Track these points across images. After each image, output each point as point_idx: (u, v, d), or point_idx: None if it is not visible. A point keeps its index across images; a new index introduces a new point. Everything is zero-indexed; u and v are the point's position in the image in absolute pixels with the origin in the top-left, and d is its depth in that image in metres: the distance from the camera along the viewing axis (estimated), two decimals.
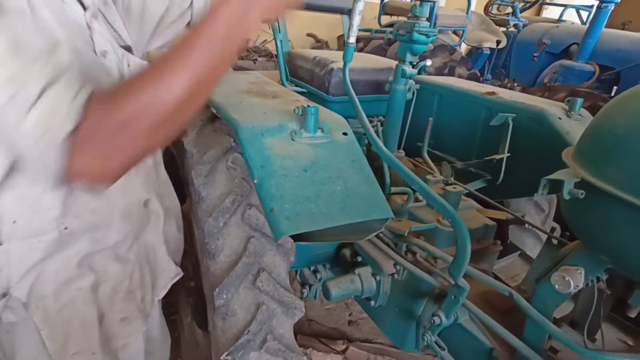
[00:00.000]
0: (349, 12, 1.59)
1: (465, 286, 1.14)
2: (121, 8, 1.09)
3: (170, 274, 1.30)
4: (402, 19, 3.64)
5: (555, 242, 1.37)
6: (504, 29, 5.26)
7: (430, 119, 1.82)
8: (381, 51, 3.33)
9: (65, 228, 0.95)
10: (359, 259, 1.60)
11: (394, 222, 1.46)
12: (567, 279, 0.88)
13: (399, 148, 1.93)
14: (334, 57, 2.02)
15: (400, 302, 1.47)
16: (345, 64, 1.27)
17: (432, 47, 1.63)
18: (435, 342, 1.29)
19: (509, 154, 1.73)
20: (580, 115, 1.64)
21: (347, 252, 1.70)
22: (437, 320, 1.24)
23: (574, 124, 1.58)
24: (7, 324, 0.98)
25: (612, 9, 3.61)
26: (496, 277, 1.54)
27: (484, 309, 1.20)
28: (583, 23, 5.33)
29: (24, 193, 0.88)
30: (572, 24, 5.05)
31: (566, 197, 0.74)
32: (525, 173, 1.72)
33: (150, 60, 1.22)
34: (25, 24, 0.70)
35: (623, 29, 5.47)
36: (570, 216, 0.84)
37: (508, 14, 5.51)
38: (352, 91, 1.21)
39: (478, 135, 1.93)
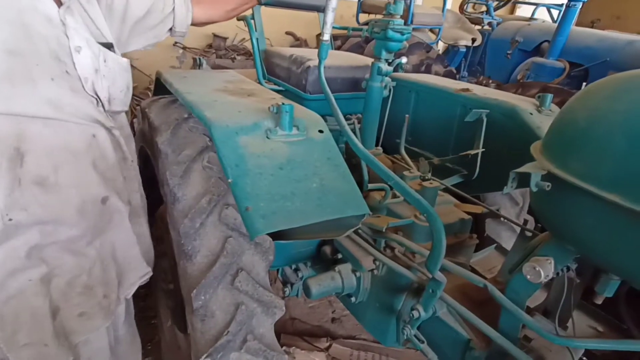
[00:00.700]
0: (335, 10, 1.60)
1: (442, 279, 1.16)
2: (104, 6, 1.12)
3: (139, 272, 1.30)
4: (380, 17, 3.66)
5: (528, 234, 1.40)
6: (479, 27, 5.38)
7: (407, 115, 1.84)
8: (359, 49, 3.34)
9: (10, 220, 0.96)
10: (339, 256, 1.61)
11: (372, 218, 1.47)
12: (537, 269, 0.91)
13: (377, 145, 1.94)
14: (311, 54, 2.02)
15: (380, 297, 1.49)
16: (320, 62, 1.27)
17: (407, 45, 1.64)
18: (415, 335, 1.30)
19: (483, 149, 1.76)
20: (550, 110, 1.69)
21: (327, 249, 1.70)
22: (415, 314, 1.25)
23: (544, 119, 1.63)
24: None
25: (580, 7, 3.73)
26: (473, 270, 1.57)
27: (462, 301, 1.22)
28: (554, 21, 5.49)
29: None
30: (543, 22, 5.20)
31: (533, 189, 0.76)
32: (500, 167, 1.75)
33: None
34: None
35: (592, 27, 5.66)
36: (539, 208, 0.87)
37: (482, 12, 5.63)
38: (328, 88, 1.21)
39: (454, 131, 1.96)
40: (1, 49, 0.94)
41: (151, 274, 1.35)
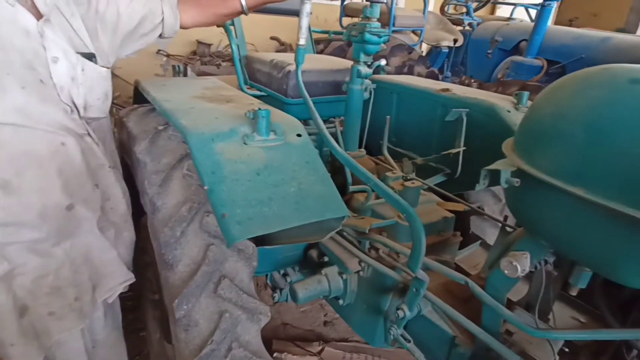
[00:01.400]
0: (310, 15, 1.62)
1: (425, 278, 1.16)
2: (96, 18, 1.19)
3: (119, 278, 1.30)
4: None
5: (509, 229, 1.42)
6: (460, 28, 5.46)
7: (388, 117, 1.86)
8: (341, 52, 3.37)
9: None
10: (326, 259, 1.61)
11: (356, 220, 1.48)
12: (514, 263, 0.92)
13: (360, 147, 1.95)
14: (292, 59, 2.02)
15: (367, 298, 1.49)
16: (297, 66, 1.27)
17: (385, 47, 1.67)
18: (402, 335, 1.31)
19: (464, 148, 1.79)
20: (527, 107, 1.72)
21: (314, 253, 1.70)
22: (401, 313, 1.26)
23: (521, 116, 1.65)
24: None
25: (556, 7, 3.82)
26: (458, 268, 1.59)
27: (446, 299, 1.23)
28: (532, 20, 5.60)
29: None
30: (521, 21, 5.30)
31: (503, 185, 0.78)
32: (481, 165, 1.77)
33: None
34: None
35: (570, 25, 5.78)
36: (512, 204, 0.88)
37: (463, 13, 5.71)
38: (305, 92, 1.22)
39: (435, 131, 1.99)
40: None
41: (133, 279, 1.35)
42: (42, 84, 1.08)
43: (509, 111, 1.69)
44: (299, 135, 1.16)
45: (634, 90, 0.62)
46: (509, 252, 0.97)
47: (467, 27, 5.39)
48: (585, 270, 0.87)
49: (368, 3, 1.65)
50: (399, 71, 3.41)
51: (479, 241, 1.85)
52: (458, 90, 1.94)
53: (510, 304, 1.19)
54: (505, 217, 1.58)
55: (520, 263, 0.92)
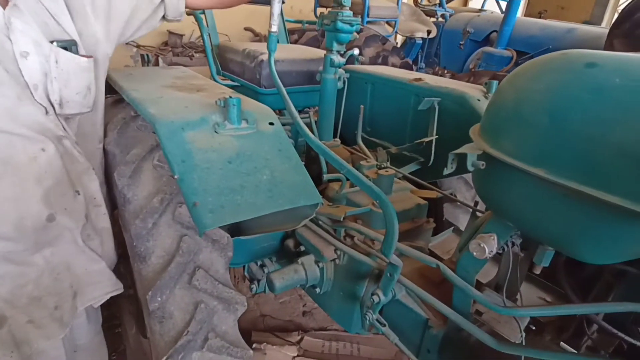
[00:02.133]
0: (283, 3, 1.59)
1: (398, 263, 1.19)
2: (88, 4, 1.08)
3: (106, 288, 1.27)
4: None
5: (480, 214, 1.47)
6: (434, 19, 5.52)
7: (362, 106, 1.87)
8: (316, 42, 3.35)
9: None
10: (302, 248, 1.62)
11: (331, 208, 1.49)
12: (482, 245, 0.95)
13: (335, 137, 1.96)
14: (265, 48, 1.99)
15: (343, 286, 1.51)
16: (270, 54, 1.26)
17: (358, 36, 1.67)
18: (377, 319, 1.34)
19: (437, 136, 1.82)
20: None
21: (290, 242, 1.71)
22: (376, 298, 1.29)
23: None
24: None
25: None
26: (431, 253, 1.63)
27: (420, 283, 1.27)
28: (502, 12, 5.73)
29: None
30: (492, 13, 5.42)
31: (470, 168, 0.80)
32: None
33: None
34: None
35: (539, 17, 5.95)
36: (478, 187, 0.91)
37: (435, 4, 5.78)
38: (279, 81, 1.21)
39: (409, 120, 2.02)
40: None
41: (121, 290, 1.32)
42: (13, 83, 0.98)
43: (479, 100, 1.73)
44: (271, 123, 1.15)
45: (589, 73, 0.65)
46: (477, 235, 1.00)
47: (440, 19, 5.47)
48: (548, 249, 0.91)
49: None
50: (373, 62, 3.43)
51: (452, 227, 1.90)
52: (430, 79, 1.97)
53: (479, 286, 1.23)
54: (476, 203, 1.63)
55: (488, 244, 0.95)
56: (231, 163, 0.99)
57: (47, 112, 1.06)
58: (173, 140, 0.98)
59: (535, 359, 0.99)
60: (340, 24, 1.57)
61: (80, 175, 1.18)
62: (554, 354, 0.95)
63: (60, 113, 1.09)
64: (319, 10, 5.22)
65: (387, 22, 5.00)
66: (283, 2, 1.38)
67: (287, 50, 2.09)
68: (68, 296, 1.17)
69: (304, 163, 1.83)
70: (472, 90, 1.79)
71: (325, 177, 1.61)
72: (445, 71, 4.20)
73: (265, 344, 2.25)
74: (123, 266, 1.65)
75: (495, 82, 1.80)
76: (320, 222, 1.52)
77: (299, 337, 2.37)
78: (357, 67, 2.25)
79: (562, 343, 1.10)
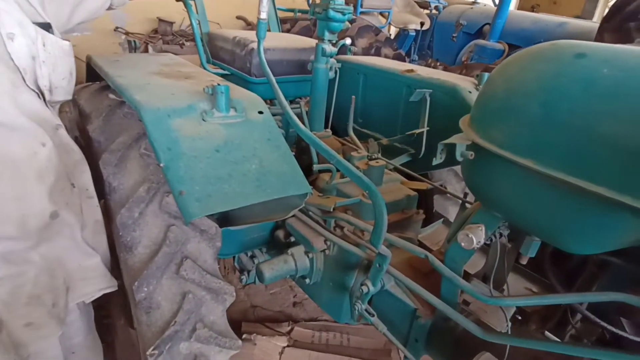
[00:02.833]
0: None
1: (387, 254, 1.19)
2: None
3: (101, 284, 1.25)
4: None
5: (469, 205, 1.47)
6: (427, 11, 5.49)
7: (353, 97, 1.86)
8: (308, 32, 3.31)
9: None
10: (292, 239, 1.61)
11: (321, 199, 1.48)
12: (470, 236, 0.96)
13: (326, 127, 1.94)
14: (255, 37, 1.97)
15: (333, 276, 1.51)
16: (258, 41, 1.24)
17: (350, 25, 1.65)
18: (366, 309, 1.34)
19: (428, 128, 1.82)
20: None
21: (280, 233, 1.70)
22: (365, 289, 1.29)
23: None
24: None
25: None
26: (421, 244, 1.64)
27: (408, 274, 1.27)
28: (495, 5, 5.72)
29: None
30: (485, 5, 5.41)
31: (458, 158, 0.80)
32: None
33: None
34: None
35: (532, 11, 5.95)
36: (467, 177, 0.91)
37: None
38: (268, 69, 1.19)
39: (401, 112, 2.01)
40: None
41: (115, 287, 1.30)
42: (5, 68, 0.94)
43: (470, 92, 1.73)
44: (260, 112, 1.13)
45: (578, 63, 0.65)
46: (465, 225, 1.01)
47: (434, 11, 5.44)
48: (534, 240, 0.91)
49: None
50: (366, 52, 3.41)
51: (442, 219, 1.91)
52: (422, 71, 1.97)
53: (467, 276, 1.24)
54: (465, 195, 1.64)
55: (476, 235, 0.96)
56: (219, 151, 0.98)
57: (39, 97, 1.03)
58: (159, 128, 0.96)
59: (520, 347, 1.01)
60: (332, 13, 1.55)
61: (74, 166, 1.15)
62: (538, 343, 0.96)
63: (50, 100, 1.06)
64: None
65: (381, 13, 4.96)
66: None
67: (278, 39, 2.06)
68: (62, 292, 1.15)
69: (294, 153, 1.82)
70: (463, 82, 1.79)
71: (316, 167, 1.60)
72: (438, 63, 4.20)
73: (255, 334, 2.26)
74: (111, 257, 1.64)
75: (486, 75, 1.79)
76: (310, 213, 1.52)
77: (289, 328, 2.38)
78: (349, 57, 2.23)
79: (546, 332, 1.12)
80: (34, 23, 0.98)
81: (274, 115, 1.32)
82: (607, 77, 0.61)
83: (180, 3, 2.02)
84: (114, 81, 1.20)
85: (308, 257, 1.54)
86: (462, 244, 0.98)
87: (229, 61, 2.02)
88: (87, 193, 1.22)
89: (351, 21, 3.29)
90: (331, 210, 1.41)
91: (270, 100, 2.06)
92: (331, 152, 1.07)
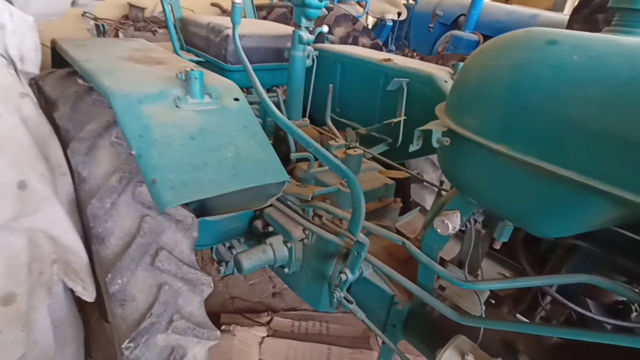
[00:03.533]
0: None
1: (365, 241, 1.20)
2: None
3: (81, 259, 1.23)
4: None
5: (444, 193, 1.50)
6: (404, 1, 5.50)
7: (331, 85, 1.84)
8: (285, 19, 3.26)
9: None
10: (271, 229, 1.60)
11: (299, 188, 1.47)
12: (445, 222, 0.97)
13: (303, 116, 1.93)
14: (230, 23, 1.92)
15: (312, 265, 1.52)
16: (234, 26, 1.20)
17: (327, 12, 1.63)
18: (345, 297, 1.35)
19: (405, 117, 1.83)
20: None
21: (258, 223, 1.69)
22: (343, 276, 1.30)
23: None
24: None
25: None
26: (399, 232, 1.66)
27: (386, 261, 1.29)
28: None
29: None
30: None
31: (434, 145, 0.81)
32: None
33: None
34: None
35: (507, 3, 6.06)
36: (443, 164, 0.92)
37: None
38: (244, 55, 1.16)
39: (378, 101, 2.01)
40: None
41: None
42: None
43: (446, 81, 1.75)
44: (236, 99, 1.11)
45: (549, 50, 0.66)
46: (441, 212, 1.02)
47: (411, 1, 5.46)
48: (507, 224, 0.94)
49: None
50: (343, 42, 3.39)
51: (419, 207, 1.94)
52: (399, 60, 1.97)
53: (443, 262, 1.26)
54: (441, 183, 1.67)
55: (451, 221, 0.98)
56: (193, 139, 0.95)
57: (7, 65, 1.05)
58: (129, 114, 0.92)
59: (493, 329, 1.04)
60: None
61: (43, 140, 1.13)
62: (510, 324, 0.99)
63: (21, 70, 1.10)
64: None
65: (358, 3, 4.94)
66: None
67: (254, 25, 2.02)
68: (48, 262, 1.15)
69: (272, 142, 1.80)
70: (439, 72, 1.81)
71: (293, 156, 1.59)
72: (415, 54, 4.22)
73: (234, 325, 2.25)
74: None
75: (461, 64, 1.82)
76: (288, 202, 1.51)
77: (268, 318, 2.38)
78: (327, 45, 2.21)
79: (518, 315, 1.16)
80: None
81: (251, 103, 1.29)
82: (577, 63, 0.62)
83: None
84: (81, 66, 1.14)
85: (287, 246, 1.54)
86: (438, 230, 1.00)
87: (204, 48, 1.97)
88: (60, 170, 1.19)
89: (328, 9, 3.25)
90: (309, 199, 1.41)
91: (247, 89, 2.02)
92: (309, 140, 1.06)
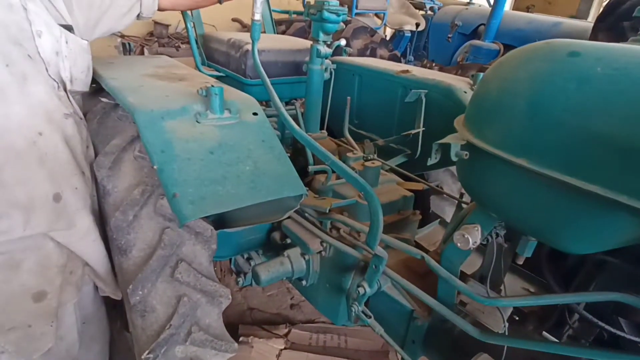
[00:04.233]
0: None
1: (383, 255, 1.19)
2: None
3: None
4: None
5: (465, 206, 1.47)
6: (422, 12, 5.51)
7: (349, 97, 1.85)
8: (303, 33, 3.32)
9: None
10: (289, 240, 1.60)
11: (317, 200, 1.48)
12: (466, 236, 0.95)
13: (321, 129, 1.94)
14: (250, 38, 1.96)
15: (329, 278, 1.51)
16: (253, 42, 1.23)
17: (345, 26, 1.66)
18: (363, 311, 1.34)
19: (424, 129, 1.82)
20: None
21: (276, 235, 1.69)
22: (361, 290, 1.28)
23: None
24: None
25: None
26: (418, 245, 1.63)
27: (405, 275, 1.27)
28: (490, 5, 5.74)
29: None
30: (480, 6, 5.43)
31: (453, 158, 0.80)
32: None
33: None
34: None
35: (527, 12, 5.98)
36: (462, 177, 0.91)
37: None
38: (262, 70, 1.18)
39: (397, 112, 2.01)
40: None
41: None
42: (30, 59, 1.06)
43: (465, 92, 1.73)
44: (255, 114, 1.13)
45: (571, 62, 0.64)
46: (461, 226, 1.00)
47: (429, 12, 5.46)
48: (530, 239, 0.91)
49: None
50: (361, 54, 3.41)
51: (438, 219, 1.91)
52: (417, 71, 1.97)
53: (464, 277, 1.23)
54: (462, 195, 1.64)
55: (472, 235, 0.95)
56: (213, 153, 0.97)
57: (57, 88, 1.14)
58: (152, 130, 0.95)
59: (518, 348, 1.00)
60: (326, 14, 1.55)
61: (86, 156, 1.22)
62: (536, 344, 0.96)
63: (70, 89, 1.19)
64: (307, 0, 5.16)
65: (376, 15, 4.97)
66: None
67: (273, 40, 2.06)
68: (80, 262, 1.22)
69: (290, 155, 1.82)
70: (458, 83, 1.79)
71: (311, 168, 1.59)
72: (434, 64, 4.21)
73: (252, 337, 2.25)
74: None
75: (481, 75, 1.79)
76: (306, 214, 1.51)
77: (286, 330, 2.37)
78: (344, 58, 2.23)
79: (544, 332, 1.12)
80: (58, 25, 1.12)
81: (269, 117, 1.31)
82: (601, 75, 0.61)
83: None
84: (107, 83, 1.19)
85: (304, 258, 1.54)
86: (458, 245, 0.98)
87: (224, 63, 2.02)
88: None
89: (346, 22, 3.29)
90: (327, 211, 1.40)
91: (266, 102, 2.06)
92: (326, 152, 1.07)
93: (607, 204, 0.61)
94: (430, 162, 0.84)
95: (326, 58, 1.72)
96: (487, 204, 0.88)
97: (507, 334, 1.06)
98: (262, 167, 1.02)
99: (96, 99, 1.40)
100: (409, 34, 5.27)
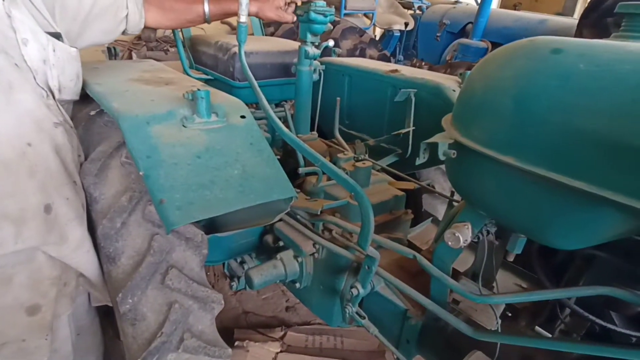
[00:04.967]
0: None
1: (375, 255, 1.18)
2: (57, 4, 1.15)
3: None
4: None
5: (456, 204, 1.47)
6: (411, 11, 5.53)
7: (338, 98, 1.85)
8: (292, 35, 3.31)
9: None
10: (281, 243, 1.60)
11: (308, 202, 1.47)
12: (456, 235, 0.95)
13: (312, 130, 1.93)
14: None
15: (323, 280, 1.50)
16: (239, 45, 1.22)
17: (332, 27, 1.65)
18: (357, 312, 1.33)
19: (414, 128, 1.82)
20: None
21: (269, 238, 1.68)
22: (355, 291, 1.28)
23: None
24: None
25: None
26: (410, 244, 1.63)
27: (398, 275, 1.26)
28: (477, 4, 5.79)
29: None
30: (467, 5, 5.47)
31: (441, 157, 0.80)
32: None
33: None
34: None
35: (514, 9, 6.03)
36: (451, 176, 0.91)
37: None
38: (250, 72, 1.18)
39: (386, 112, 2.01)
40: None
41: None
42: (17, 68, 1.03)
43: (454, 90, 1.74)
44: (242, 116, 1.12)
45: (554, 59, 0.65)
46: (452, 224, 1.00)
47: (417, 11, 5.48)
48: (520, 236, 0.91)
49: None
50: (350, 54, 3.42)
51: (431, 218, 1.91)
52: (406, 71, 1.97)
53: (456, 275, 1.23)
54: (452, 193, 1.64)
55: (462, 234, 0.95)
56: (200, 158, 0.96)
57: (46, 96, 1.12)
58: (137, 135, 0.94)
59: (511, 344, 1.01)
60: (313, 15, 1.54)
61: (77, 164, 1.20)
62: (528, 339, 0.96)
63: (59, 99, 1.16)
64: None
65: (365, 15, 4.99)
66: None
67: (260, 42, 2.05)
68: (73, 273, 1.21)
69: (280, 157, 1.81)
70: (447, 81, 1.80)
71: (302, 170, 1.59)
72: (423, 63, 4.23)
73: (247, 341, 2.23)
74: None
75: (469, 72, 1.80)
76: (298, 217, 1.51)
77: (282, 333, 2.35)
78: (333, 59, 2.22)
79: (537, 328, 1.12)
80: (45, 32, 1.09)
81: (260, 119, 1.30)
82: (584, 72, 0.61)
83: None
84: (92, 89, 1.17)
85: (297, 261, 1.53)
86: (449, 243, 0.98)
87: (212, 66, 2.01)
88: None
89: (335, 23, 3.29)
90: (319, 213, 1.40)
91: (255, 105, 2.05)
92: (315, 154, 1.06)
93: (592, 199, 0.62)
94: (418, 162, 0.84)
95: (315, 59, 1.71)
96: (476, 202, 0.88)
97: (500, 330, 1.06)
98: (250, 171, 1.01)
99: (81, 105, 1.38)
100: (398, 34, 5.29)
